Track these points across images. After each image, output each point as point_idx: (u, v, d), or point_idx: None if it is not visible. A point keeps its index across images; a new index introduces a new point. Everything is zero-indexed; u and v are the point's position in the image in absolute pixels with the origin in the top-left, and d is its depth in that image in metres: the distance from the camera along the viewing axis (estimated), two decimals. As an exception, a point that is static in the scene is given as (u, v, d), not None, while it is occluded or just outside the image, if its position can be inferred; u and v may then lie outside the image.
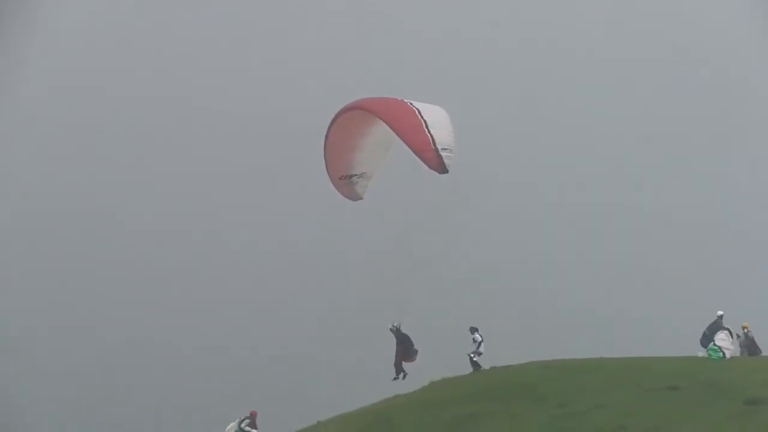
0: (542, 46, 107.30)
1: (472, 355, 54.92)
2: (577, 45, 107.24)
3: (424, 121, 40.45)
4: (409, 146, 40.07)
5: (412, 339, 46.60)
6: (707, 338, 52.71)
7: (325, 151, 43.13)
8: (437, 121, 40.99)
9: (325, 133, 43.27)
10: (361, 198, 43.96)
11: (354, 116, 41.68)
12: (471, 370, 54.82)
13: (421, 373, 49.52)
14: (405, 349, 46.17)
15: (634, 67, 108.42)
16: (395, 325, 45.61)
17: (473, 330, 56.01)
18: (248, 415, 42.78)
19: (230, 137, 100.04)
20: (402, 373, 46.86)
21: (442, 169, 39.85)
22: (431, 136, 40.09)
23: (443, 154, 39.97)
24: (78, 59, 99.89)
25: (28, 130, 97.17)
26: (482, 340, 55.16)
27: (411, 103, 41.42)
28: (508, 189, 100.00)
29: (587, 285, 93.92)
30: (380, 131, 40.81)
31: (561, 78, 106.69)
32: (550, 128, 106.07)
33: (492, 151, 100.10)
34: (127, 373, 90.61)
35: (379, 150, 42.36)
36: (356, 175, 43.29)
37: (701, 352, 52.83)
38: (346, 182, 43.43)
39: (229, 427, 42.92)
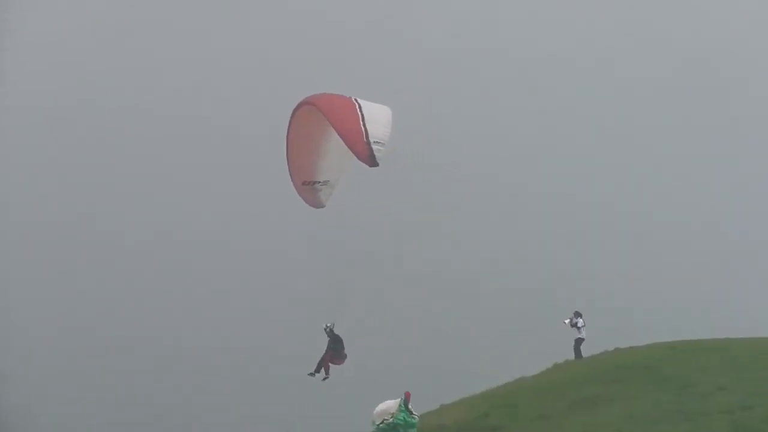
0: (544, 46, 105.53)
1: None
2: (579, 46, 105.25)
3: (362, 116, 40.15)
4: (342, 137, 39.88)
5: (345, 342, 44.98)
6: None
7: (287, 153, 42.93)
8: (375, 116, 40.56)
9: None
10: (323, 206, 43.46)
11: (309, 113, 41.36)
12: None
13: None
14: (335, 351, 44.84)
15: (637, 67, 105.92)
16: (329, 325, 44.46)
17: (577, 315, 56.05)
18: (405, 396, 42.53)
19: (229, 137, 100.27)
20: (324, 374, 45.02)
21: (371, 161, 39.37)
22: (365, 128, 39.70)
23: (374, 147, 39.47)
24: (75, 59, 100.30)
25: (23, 129, 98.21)
26: (584, 325, 55.27)
27: (356, 100, 41.02)
28: (513, 190, 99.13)
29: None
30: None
31: (562, 80, 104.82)
32: (552, 127, 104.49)
33: (494, 152, 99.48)
34: (145, 373, 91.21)
35: (342, 157, 41.51)
36: (320, 182, 42.99)
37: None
38: (309, 188, 43.07)
39: (387, 405, 42.23)
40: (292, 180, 42.55)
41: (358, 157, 39.06)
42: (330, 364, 44.57)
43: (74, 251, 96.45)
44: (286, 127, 42.20)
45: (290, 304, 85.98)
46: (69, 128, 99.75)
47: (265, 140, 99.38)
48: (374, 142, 39.09)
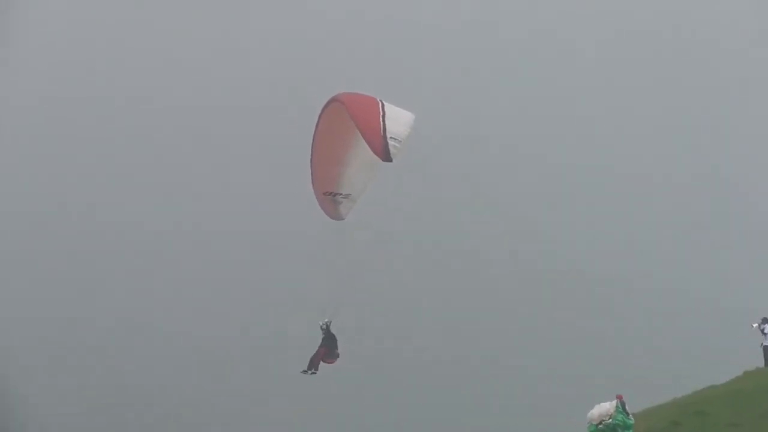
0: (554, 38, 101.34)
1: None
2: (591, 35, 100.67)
3: (383, 113, 39.95)
4: (360, 130, 39.62)
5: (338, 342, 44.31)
6: None
7: (312, 159, 42.61)
8: (397, 116, 40.33)
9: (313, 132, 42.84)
10: (342, 219, 42.70)
11: (335, 114, 41.10)
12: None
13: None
14: (328, 350, 44.03)
15: (653, 60, 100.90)
16: (326, 322, 43.65)
17: (765, 320, 55.13)
18: (618, 398, 43.13)
19: (229, 128, 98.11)
20: (313, 370, 44.14)
21: (385, 156, 39.13)
22: (383, 124, 39.48)
23: (390, 143, 39.22)
24: (71, 56, 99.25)
25: (20, 125, 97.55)
26: None
27: (380, 100, 40.78)
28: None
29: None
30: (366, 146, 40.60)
31: (564, 78, 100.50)
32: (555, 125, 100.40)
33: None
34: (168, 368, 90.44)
35: (366, 171, 41.39)
36: (341, 194, 42.27)
37: None
38: (330, 199, 42.36)
39: (604, 408, 42.91)
40: (313, 188, 42.14)
41: (373, 151, 39.02)
42: (322, 361, 44.00)
43: (76, 249, 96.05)
44: (312, 129, 41.84)
45: (297, 300, 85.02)
46: (69, 126, 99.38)
47: (268, 137, 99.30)
48: (391, 137, 38.95)
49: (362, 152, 39.95)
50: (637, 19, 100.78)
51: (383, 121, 39.28)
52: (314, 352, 44.45)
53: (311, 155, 42.18)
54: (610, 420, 42.43)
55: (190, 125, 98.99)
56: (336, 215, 42.32)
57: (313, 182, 42.12)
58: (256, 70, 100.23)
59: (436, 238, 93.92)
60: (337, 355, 44.24)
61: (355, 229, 42.45)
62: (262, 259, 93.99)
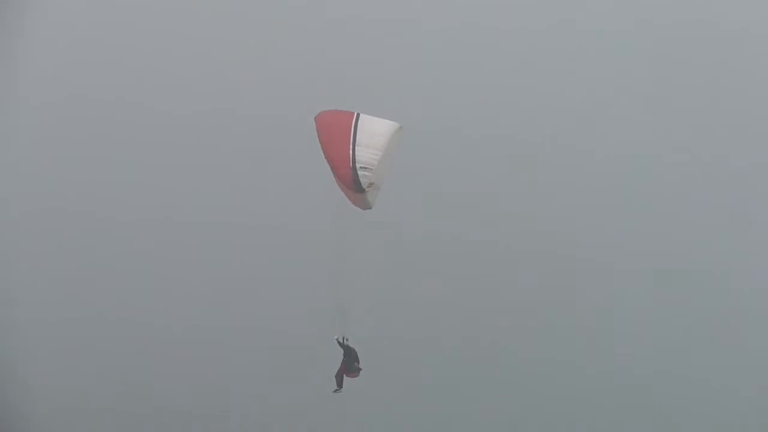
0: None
1: None
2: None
3: (354, 138, 41.34)
4: (329, 163, 41.17)
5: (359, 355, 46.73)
6: None
7: (327, 160, 43.37)
8: (368, 140, 41.57)
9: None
10: (370, 207, 44.11)
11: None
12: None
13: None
14: (348, 364, 46.35)
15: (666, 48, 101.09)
16: (344, 338, 45.92)
17: None
18: None
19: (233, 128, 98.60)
20: (338, 388, 46.68)
21: (356, 186, 40.91)
22: (352, 153, 40.99)
23: (360, 172, 40.87)
24: (71, 56, 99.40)
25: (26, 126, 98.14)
26: None
27: (357, 116, 41.96)
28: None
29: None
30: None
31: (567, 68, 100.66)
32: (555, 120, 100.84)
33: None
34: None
35: (387, 161, 42.53)
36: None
37: None
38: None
39: None
40: (337, 182, 43.41)
41: (341, 182, 40.57)
42: (345, 375, 46.26)
43: (76, 249, 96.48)
44: (314, 131, 43.41)
45: (297, 300, 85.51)
46: (69, 126, 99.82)
47: (268, 138, 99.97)
48: (361, 167, 40.45)
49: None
50: (642, 15, 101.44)
51: (353, 149, 40.74)
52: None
53: (324, 155, 42.97)
54: None
55: (190, 125, 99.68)
56: (365, 205, 44.02)
57: (336, 178, 43.48)
58: (255, 70, 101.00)
59: (438, 237, 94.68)
60: (358, 369, 46.53)
61: (364, 230, 43.15)
62: (263, 260, 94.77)
